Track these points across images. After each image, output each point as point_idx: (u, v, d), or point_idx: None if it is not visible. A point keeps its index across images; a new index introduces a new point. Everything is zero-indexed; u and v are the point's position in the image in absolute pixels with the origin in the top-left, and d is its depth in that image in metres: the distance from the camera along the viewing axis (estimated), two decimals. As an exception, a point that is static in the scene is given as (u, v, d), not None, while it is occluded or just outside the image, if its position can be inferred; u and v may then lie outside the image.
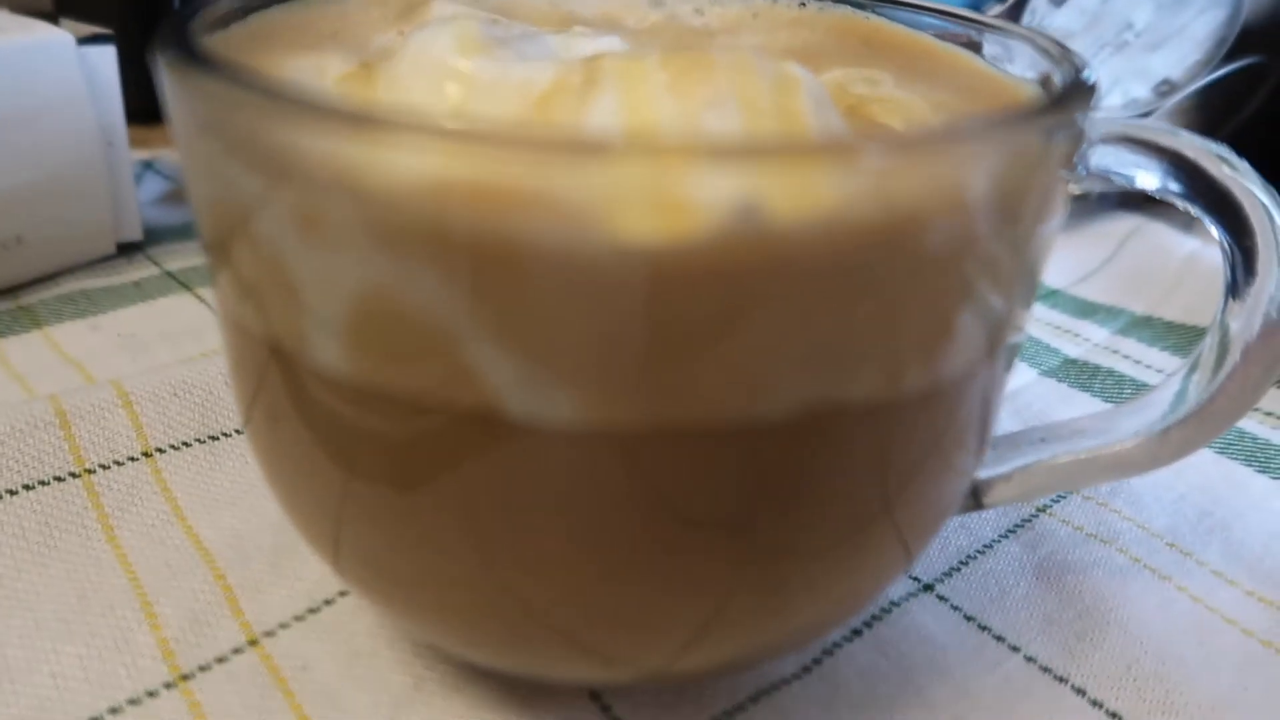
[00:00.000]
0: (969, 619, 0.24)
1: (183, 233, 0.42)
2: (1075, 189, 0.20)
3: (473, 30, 0.19)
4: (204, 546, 0.25)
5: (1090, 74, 0.17)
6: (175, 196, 0.45)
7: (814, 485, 0.16)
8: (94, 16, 0.52)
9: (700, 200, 0.12)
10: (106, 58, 0.37)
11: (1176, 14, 0.40)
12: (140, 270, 0.39)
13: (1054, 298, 0.41)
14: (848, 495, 0.17)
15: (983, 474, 0.22)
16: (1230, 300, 0.21)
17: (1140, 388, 0.34)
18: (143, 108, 0.53)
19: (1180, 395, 0.22)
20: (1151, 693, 0.22)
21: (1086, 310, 0.39)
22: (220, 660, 0.22)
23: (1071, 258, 0.44)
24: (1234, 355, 0.21)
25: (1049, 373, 0.35)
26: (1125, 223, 0.46)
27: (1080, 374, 0.35)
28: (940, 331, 0.15)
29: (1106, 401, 0.33)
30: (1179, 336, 0.37)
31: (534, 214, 0.12)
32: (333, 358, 0.15)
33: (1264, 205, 0.19)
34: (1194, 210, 0.20)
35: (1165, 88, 0.41)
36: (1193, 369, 0.22)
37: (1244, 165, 0.19)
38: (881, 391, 0.15)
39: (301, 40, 0.21)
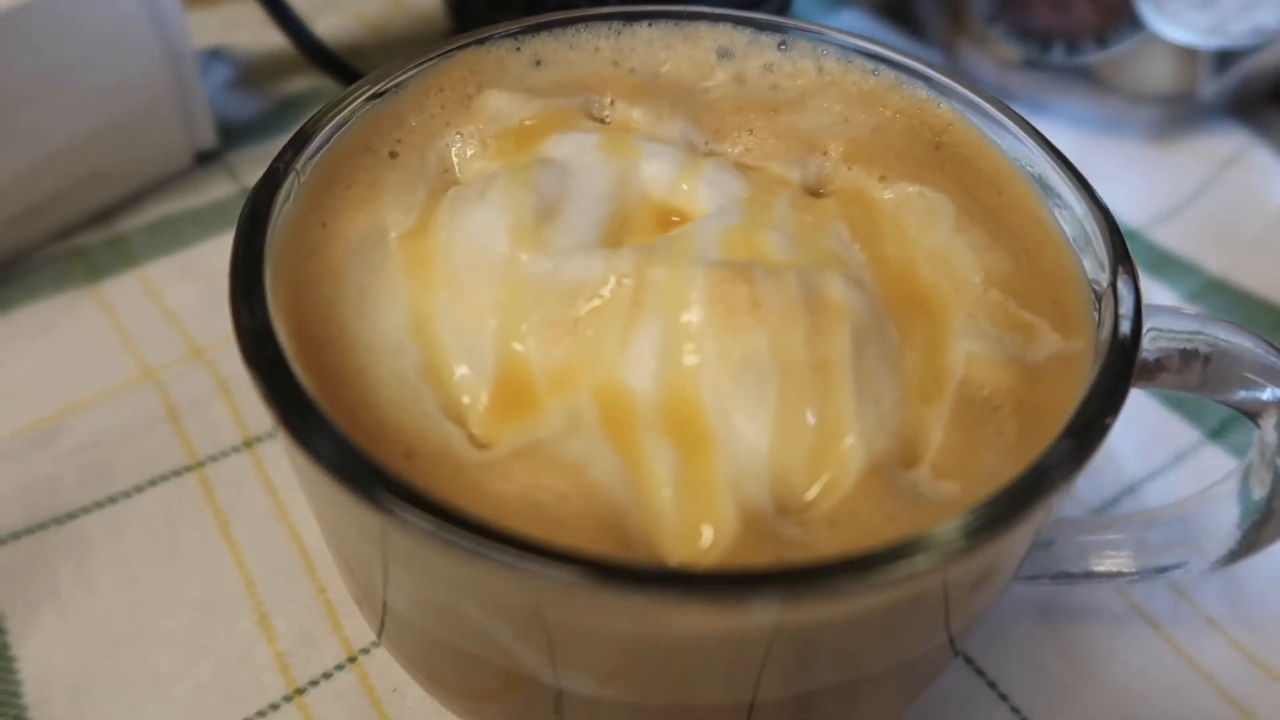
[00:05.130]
0: (968, 661, 0.27)
1: (254, 130, 0.43)
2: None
3: (525, 211, 0.20)
4: (305, 551, 0.29)
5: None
6: (244, 81, 0.45)
7: (833, 710, 0.18)
8: None
9: (735, 614, 0.14)
10: (164, -20, 0.36)
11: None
12: (219, 186, 0.40)
13: (1131, 241, 0.39)
14: (868, 704, 0.19)
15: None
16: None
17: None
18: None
19: (1234, 517, 0.23)
20: (1114, 755, 0.25)
21: (1160, 264, 0.39)
22: (326, 676, 0.26)
23: (1165, 178, 0.42)
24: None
25: (1102, 352, 0.35)
26: (1230, 141, 0.43)
27: (1133, 357, 0.35)
28: (957, 619, 0.17)
29: (1151, 395, 0.34)
30: (1246, 311, 0.37)
31: (605, 615, 0.14)
32: (396, 602, 0.18)
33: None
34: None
35: (1298, 17, 0.37)
36: (1244, 483, 0.23)
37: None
38: (893, 664, 0.17)
39: (361, 174, 0.21)
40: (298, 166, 0.20)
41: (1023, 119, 0.22)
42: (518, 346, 0.19)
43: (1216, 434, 0.33)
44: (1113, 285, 0.18)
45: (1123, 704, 0.26)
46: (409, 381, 0.18)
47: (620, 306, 0.19)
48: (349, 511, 0.15)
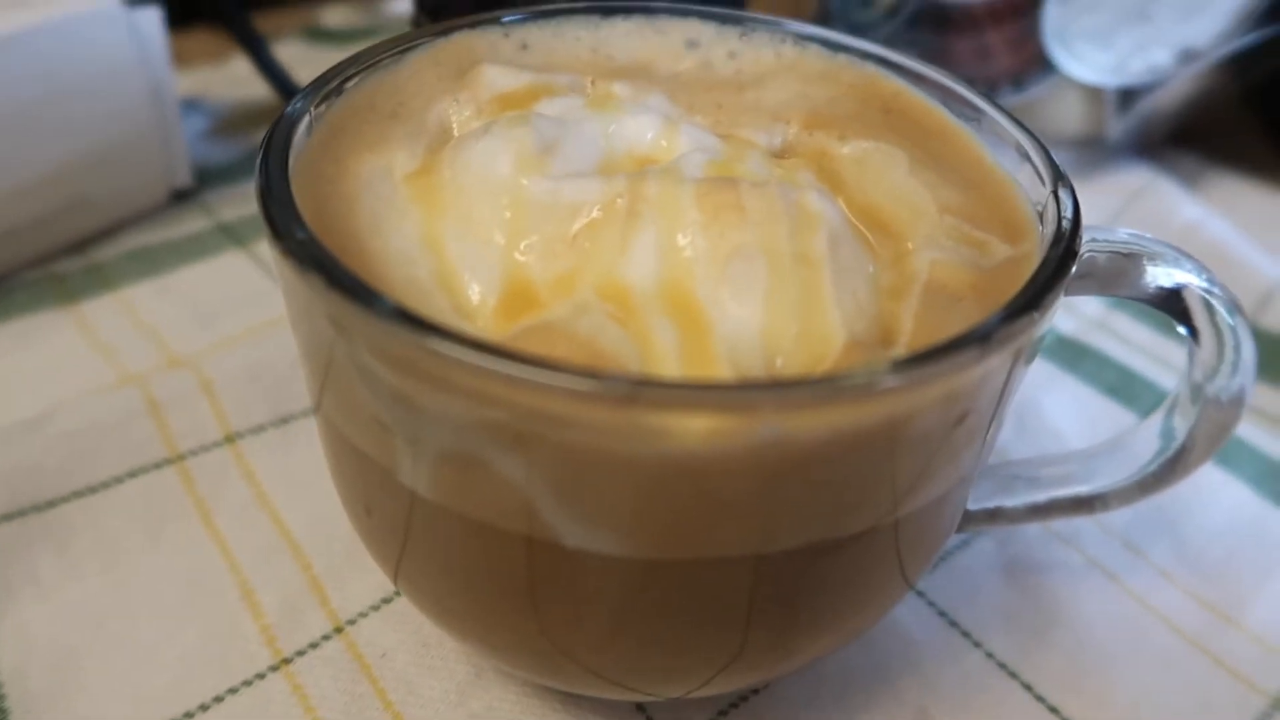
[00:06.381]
0: (941, 614, 0.28)
1: (229, 174, 0.45)
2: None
3: (527, 144, 0.21)
4: (289, 533, 0.29)
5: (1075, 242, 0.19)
6: (219, 131, 0.47)
7: (813, 583, 0.19)
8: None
9: (738, 429, 0.15)
10: (152, 20, 0.38)
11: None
12: (195, 221, 0.42)
13: (1057, 261, 0.43)
14: (845, 580, 0.20)
15: (968, 506, 0.26)
16: (1192, 371, 0.24)
17: (1122, 373, 0.37)
18: (172, 9, 0.54)
19: (1155, 445, 0.25)
20: (1086, 690, 0.26)
21: (1086, 278, 0.42)
22: (314, 646, 0.26)
23: (1083, 208, 0.46)
24: (1197, 421, 0.24)
25: (1041, 351, 0.38)
26: (1137, 177, 0.47)
27: (1068, 355, 0.38)
28: (926, 479, 0.18)
29: (1089, 385, 0.37)
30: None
31: (607, 437, 0.16)
32: (418, 486, 0.18)
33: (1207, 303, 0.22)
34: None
35: (1187, 55, 0.42)
36: (1168, 419, 0.25)
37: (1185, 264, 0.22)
38: (870, 524, 0.19)
39: (368, 126, 0.23)
40: (312, 109, 0.22)
41: (961, 80, 0.25)
42: (521, 258, 0.20)
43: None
44: (1054, 193, 0.21)
45: (1090, 643, 0.27)
46: (423, 287, 0.20)
47: (617, 219, 0.20)
48: (397, 372, 0.16)
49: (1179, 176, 0.48)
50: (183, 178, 0.42)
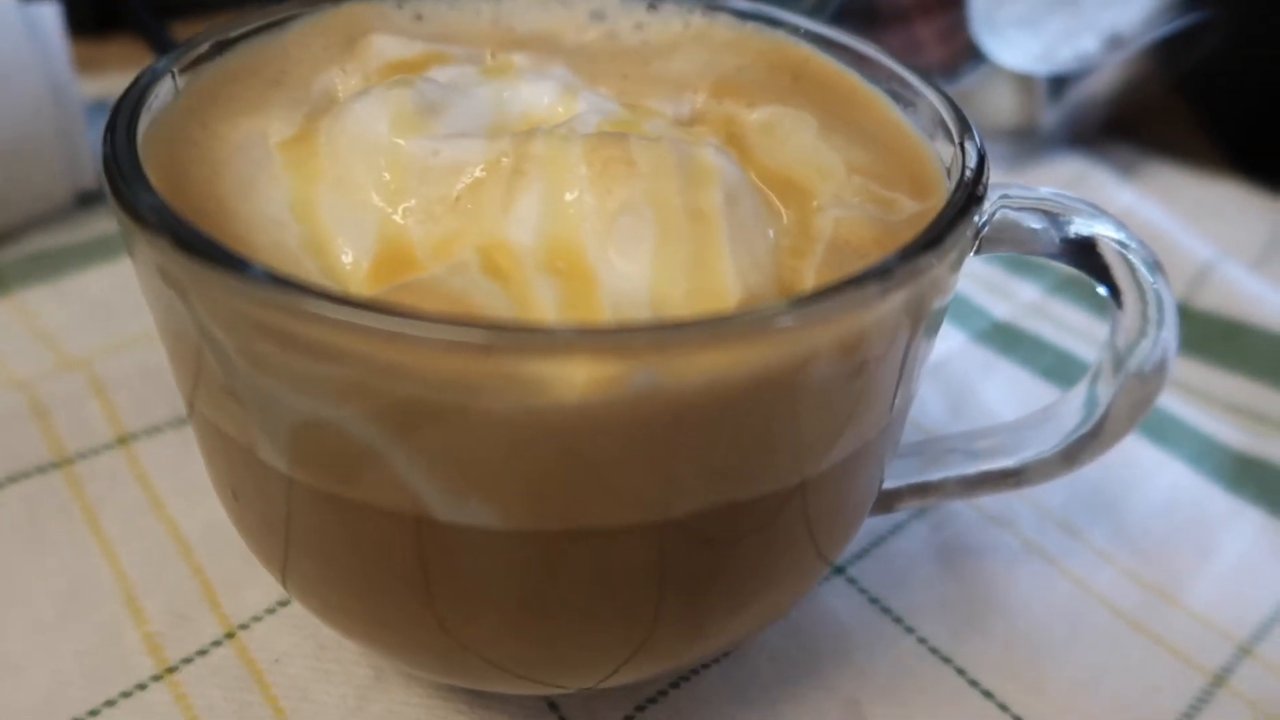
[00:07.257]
0: (873, 601, 0.27)
1: (141, 177, 0.43)
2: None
3: (406, 104, 0.20)
4: (182, 537, 0.27)
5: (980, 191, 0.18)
6: (131, 135, 0.45)
7: (721, 554, 0.18)
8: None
9: (613, 378, 0.14)
10: (50, 16, 0.37)
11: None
12: (100, 224, 0.40)
13: (992, 250, 0.42)
14: (755, 551, 0.19)
15: (892, 484, 0.25)
16: (1115, 337, 0.23)
17: (1059, 356, 0.36)
18: (91, 15, 0.52)
19: (1078, 416, 0.24)
20: (1023, 675, 0.25)
21: (1019, 265, 0.41)
22: (202, 653, 0.24)
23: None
24: (1118, 393, 0.23)
25: (976, 337, 0.37)
26: (1070, 166, 0.47)
27: (1005, 339, 0.37)
28: (825, 439, 0.17)
29: (1025, 368, 0.36)
30: (1096, 297, 0.39)
31: (469, 394, 0.14)
32: (279, 462, 0.17)
33: (1129, 264, 0.21)
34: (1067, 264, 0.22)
35: (1115, 41, 0.42)
36: (1091, 387, 0.24)
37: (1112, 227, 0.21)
38: (772, 488, 0.17)
39: (247, 92, 0.22)
40: (175, 70, 0.20)
41: (871, 44, 0.24)
42: (399, 221, 0.19)
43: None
44: (960, 145, 0.20)
45: (1025, 629, 0.26)
46: (290, 251, 0.18)
47: (500, 178, 0.19)
48: (265, 331, 0.15)
49: (1113, 166, 0.48)
50: (88, 180, 0.40)
